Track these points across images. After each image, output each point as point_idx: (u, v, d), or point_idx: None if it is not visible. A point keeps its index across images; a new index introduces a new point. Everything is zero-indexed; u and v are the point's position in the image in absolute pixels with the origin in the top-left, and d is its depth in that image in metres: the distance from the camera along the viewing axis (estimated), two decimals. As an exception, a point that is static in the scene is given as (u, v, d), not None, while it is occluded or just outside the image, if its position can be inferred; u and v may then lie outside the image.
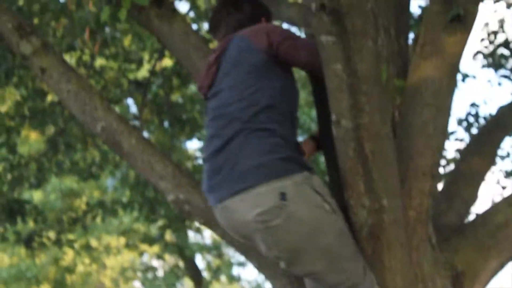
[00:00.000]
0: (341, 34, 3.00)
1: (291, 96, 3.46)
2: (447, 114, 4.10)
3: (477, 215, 4.44)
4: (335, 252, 3.26)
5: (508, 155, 9.94)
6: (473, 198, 4.99)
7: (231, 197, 3.23)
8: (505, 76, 9.85)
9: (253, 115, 3.27)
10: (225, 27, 3.72)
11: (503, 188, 9.77)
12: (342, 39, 3.01)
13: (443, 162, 9.51)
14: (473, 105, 9.74)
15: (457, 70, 4.12)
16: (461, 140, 9.70)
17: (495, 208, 4.39)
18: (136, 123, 9.44)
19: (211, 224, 4.05)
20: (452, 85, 4.09)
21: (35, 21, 7.94)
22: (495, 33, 9.86)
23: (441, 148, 4.07)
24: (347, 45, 3.02)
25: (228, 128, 3.31)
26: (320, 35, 3.04)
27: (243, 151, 3.23)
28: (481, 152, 5.25)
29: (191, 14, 8.93)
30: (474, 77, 10.15)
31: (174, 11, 4.37)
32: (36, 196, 16.25)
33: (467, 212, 4.91)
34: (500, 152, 9.76)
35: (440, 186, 5.70)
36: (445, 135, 4.12)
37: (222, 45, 3.53)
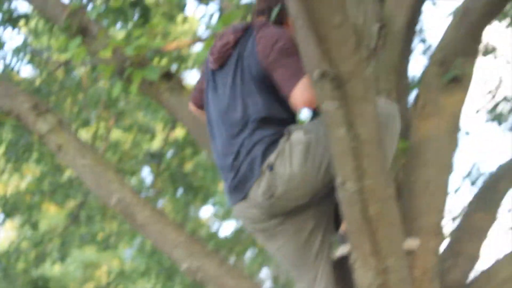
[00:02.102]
0: (342, 100, 2.99)
1: (283, 106, 3.55)
2: (449, 172, 4.09)
3: (482, 271, 4.40)
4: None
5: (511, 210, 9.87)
6: (477, 254, 4.94)
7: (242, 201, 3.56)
8: (508, 131, 9.85)
9: (249, 126, 3.50)
10: (257, 7, 3.75)
11: (508, 242, 9.67)
12: (344, 105, 3.00)
13: (450, 217, 9.45)
14: (476, 161, 9.72)
15: (457, 129, 4.12)
16: (467, 195, 9.65)
17: (499, 264, 4.34)
18: (151, 192, 9.44)
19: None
20: (453, 143, 4.09)
21: (52, 98, 8.01)
22: (494, 89, 9.87)
23: (444, 206, 4.06)
24: (349, 110, 3.01)
25: (224, 131, 3.58)
26: (322, 102, 3.04)
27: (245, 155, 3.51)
28: (483, 209, 5.22)
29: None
30: (476, 133, 10.15)
31: (182, 84, 4.40)
32: (56, 267, 16.19)
33: (472, 268, 4.86)
34: (503, 207, 9.69)
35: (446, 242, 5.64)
36: (447, 193, 4.10)
37: (243, 28, 3.64)
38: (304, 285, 3.67)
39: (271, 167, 3.43)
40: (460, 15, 4.01)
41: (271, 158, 3.43)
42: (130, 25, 4.83)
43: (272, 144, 3.46)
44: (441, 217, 4.09)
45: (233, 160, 3.55)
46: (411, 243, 3.83)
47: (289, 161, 3.42)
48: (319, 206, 3.64)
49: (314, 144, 3.42)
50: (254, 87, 3.52)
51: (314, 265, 3.66)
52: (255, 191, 3.49)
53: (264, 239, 3.74)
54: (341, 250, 3.61)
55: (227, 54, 3.63)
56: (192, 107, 3.92)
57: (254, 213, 3.59)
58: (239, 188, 3.56)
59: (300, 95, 3.39)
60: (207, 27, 4.85)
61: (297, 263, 3.68)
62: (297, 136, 3.43)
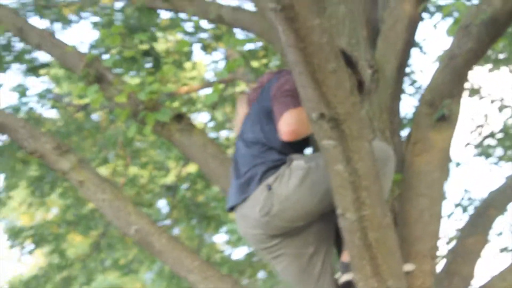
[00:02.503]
0: (340, 138, 3.01)
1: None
2: (441, 202, 4.11)
3: (476, 289, 4.41)
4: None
5: (501, 233, 9.84)
6: (470, 274, 4.96)
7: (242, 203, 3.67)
8: (494, 163, 9.85)
9: (257, 147, 3.66)
10: None
11: (499, 262, 9.63)
12: (342, 143, 3.02)
13: (445, 240, 9.43)
14: (466, 190, 9.71)
15: (447, 162, 4.15)
16: (460, 220, 9.62)
17: (491, 283, 4.35)
18: (167, 222, 9.47)
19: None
20: (443, 176, 4.11)
21: (74, 139, 8.07)
22: (481, 126, 9.89)
23: (438, 232, 4.07)
24: (346, 148, 3.03)
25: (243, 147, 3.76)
26: (321, 140, 3.06)
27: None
28: (475, 233, 5.23)
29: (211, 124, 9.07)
30: (466, 165, 10.13)
31: (193, 125, 4.43)
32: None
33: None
34: (494, 230, 9.67)
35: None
36: (440, 220, 4.12)
37: (275, 72, 3.88)
38: None
39: (269, 187, 3.53)
40: (446, 59, 4.05)
41: (270, 179, 3.56)
42: (143, 72, 4.88)
43: (273, 168, 3.58)
44: (436, 242, 4.11)
45: (242, 169, 3.69)
46: (408, 267, 3.86)
47: (287, 184, 3.52)
48: (319, 233, 3.69)
49: (314, 171, 3.51)
50: (264, 118, 3.68)
51: (317, 285, 3.72)
52: (253, 209, 3.60)
53: (270, 259, 3.78)
54: (345, 277, 3.62)
55: (259, 90, 3.85)
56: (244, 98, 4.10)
57: (256, 233, 3.66)
58: (240, 192, 3.67)
59: (283, 126, 3.54)
60: (215, 74, 4.89)
61: (301, 284, 3.73)
62: (297, 163, 3.54)
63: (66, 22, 7.58)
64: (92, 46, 6.92)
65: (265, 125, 3.68)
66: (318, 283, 3.72)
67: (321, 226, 3.70)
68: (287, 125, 3.52)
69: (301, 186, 3.51)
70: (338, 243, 3.80)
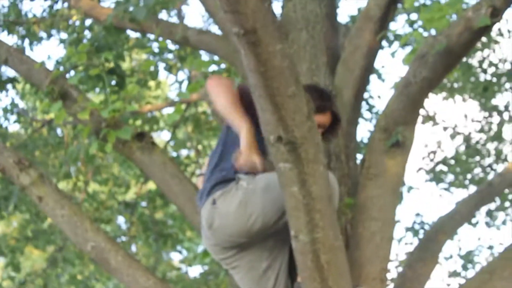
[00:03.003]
0: (296, 161, 3.01)
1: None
2: (392, 226, 4.13)
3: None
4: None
5: (451, 256, 9.93)
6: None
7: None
8: (445, 189, 9.95)
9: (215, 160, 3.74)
10: None
11: (448, 285, 9.71)
12: (297, 166, 3.01)
13: (396, 264, 9.49)
14: (417, 214, 9.79)
15: (398, 187, 4.17)
16: (410, 243, 9.69)
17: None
18: (125, 239, 9.41)
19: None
20: (395, 200, 4.14)
21: (37, 153, 8.00)
22: (434, 152, 10.00)
23: (388, 255, 4.09)
24: (302, 171, 3.02)
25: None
26: (278, 163, 3.05)
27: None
28: (424, 257, 5.26)
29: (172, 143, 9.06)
30: (418, 189, 10.20)
31: (153, 144, 4.41)
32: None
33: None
34: (444, 254, 9.77)
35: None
36: (391, 243, 4.13)
37: None
38: None
39: (214, 201, 3.59)
40: (401, 87, 4.09)
41: (217, 194, 3.59)
42: (108, 90, 4.85)
43: (222, 183, 3.61)
44: (386, 265, 4.12)
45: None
46: None
47: (230, 201, 3.56)
48: (273, 249, 3.70)
49: (250, 195, 3.54)
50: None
51: None
52: (203, 220, 3.66)
53: (228, 269, 3.80)
54: None
55: None
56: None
57: (210, 244, 3.71)
58: (199, 201, 3.73)
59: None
60: (178, 94, 4.87)
61: None
62: (242, 183, 3.57)
63: (36, 39, 7.55)
64: (58, 63, 6.89)
65: (227, 136, 3.73)
66: None
67: (275, 243, 3.70)
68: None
69: (238, 208, 3.54)
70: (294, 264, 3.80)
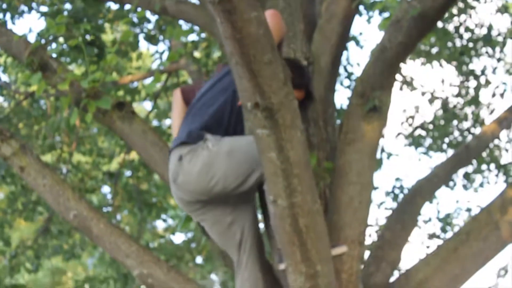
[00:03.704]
0: (273, 127, 3.00)
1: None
2: (370, 190, 4.14)
3: (400, 274, 4.46)
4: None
5: (430, 219, 9.98)
6: (397, 260, 5.01)
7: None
8: (423, 153, 9.99)
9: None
10: None
11: (427, 247, 9.78)
12: (275, 132, 3.01)
13: (375, 228, 9.54)
14: (397, 179, 9.83)
15: (376, 152, 4.18)
16: (390, 209, 9.73)
17: (416, 267, 4.41)
18: (110, 208, 9.41)
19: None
20: (373, 165, 4.14)
21: (20, 125, 7.95)
22: (412, 117, 10.02)
23: (366, 219, 4.10)
24: (279, 137, 3.03)
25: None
26: (255, 129, 3.05)
27: None
28: (402, 219, 5.29)
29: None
30: (396, 155, 10.24)
31: (133, 113, 4.39)
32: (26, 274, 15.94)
33: (392, 272, 4.91)
34: (423, 217, 9.82)
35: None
36: (369, 207, 4.15)
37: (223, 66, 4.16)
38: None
39: (180, 158, 3.69)
40: (377, 52, 4.08)
41: (184, 150, 3.69)
42: (87, 61, 4.81)
43: (193, 139, 3.71)
44: (365, 228, 4.14)
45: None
46: (339, 250, 3.89)
47: (194, 162, 3.66)
48: (236, 207, 3.82)
49: (214, 157, 3.64)
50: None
51: (238, 252, 3.85)
52: (169, 172, 3.78)
53: (198, 221, 3.91)
54: (281, 266, 3.65)
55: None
56: (178, 94, 4.18)
57: (177, 197, 3.81)
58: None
59: None
60: (159, 64, 4.85)
61: (223, 245, 3.90)
62: (208, 144, 3.67)
63: (17, 13, 7.46)
64: (38, 35, 6.82)
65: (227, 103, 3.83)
66: (240, 250, 3.85)
67: (238, 200, 3.81)
68: None
69: (202, 167, 3.64)
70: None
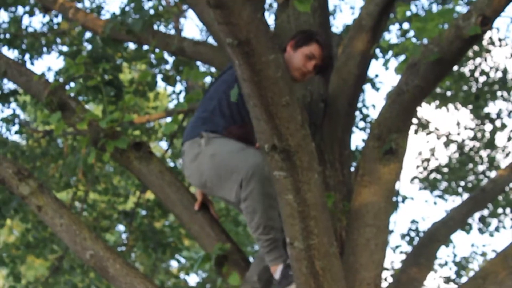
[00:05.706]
0: (290, 169, 3.01)
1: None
2: (386, 232, 4.12)
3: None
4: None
5: (446, 263, 9.91)
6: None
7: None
8: (439, 196, 9.95)
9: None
10: None
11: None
12: (292, 174, 3.02)
13: (391, 272, 9.47)
14: (413, 221, 9.78)
15: (392, 194, 4.16)
16: (406, 252, 9.67)
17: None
18: (124, 248, 9.39)
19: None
20: (389, 207, 4.13)
21: (38, 163, 7.99)
22: (427, 160, 10.01)
23: (383, 261, 4.07)
24: (296, 179, 3.03)
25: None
26: (273, 171, 3.05)
27: None
28: (418, 263, 5.26)
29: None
30: (412, 198, 10.19)
31: (151, 153, 4.40)
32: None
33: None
34: (439, 261, 9.76)
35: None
36: (385, 250, 4.12)
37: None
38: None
39: (183, 153, 4.00)
40: (394, 95, 4.09)
41: (185, 146, 3.98)
42: (105, 101, 4.84)
43: (194, 134, 3.94)
44: (381, 271, 4.10)
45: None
46: None
47: (190, 158, 3.93)
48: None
49: (201, 156, 3.85)
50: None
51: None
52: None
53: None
54: None
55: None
56: None
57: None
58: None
59: None
60: (176, 105, 4.88)
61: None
62: (201, 141, 3.88)
63: (36, 53, 7.56)
64: (57, 74, 6.89)
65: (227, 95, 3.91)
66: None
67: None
68: None
69: (192, 161, 3.91)
70: None
